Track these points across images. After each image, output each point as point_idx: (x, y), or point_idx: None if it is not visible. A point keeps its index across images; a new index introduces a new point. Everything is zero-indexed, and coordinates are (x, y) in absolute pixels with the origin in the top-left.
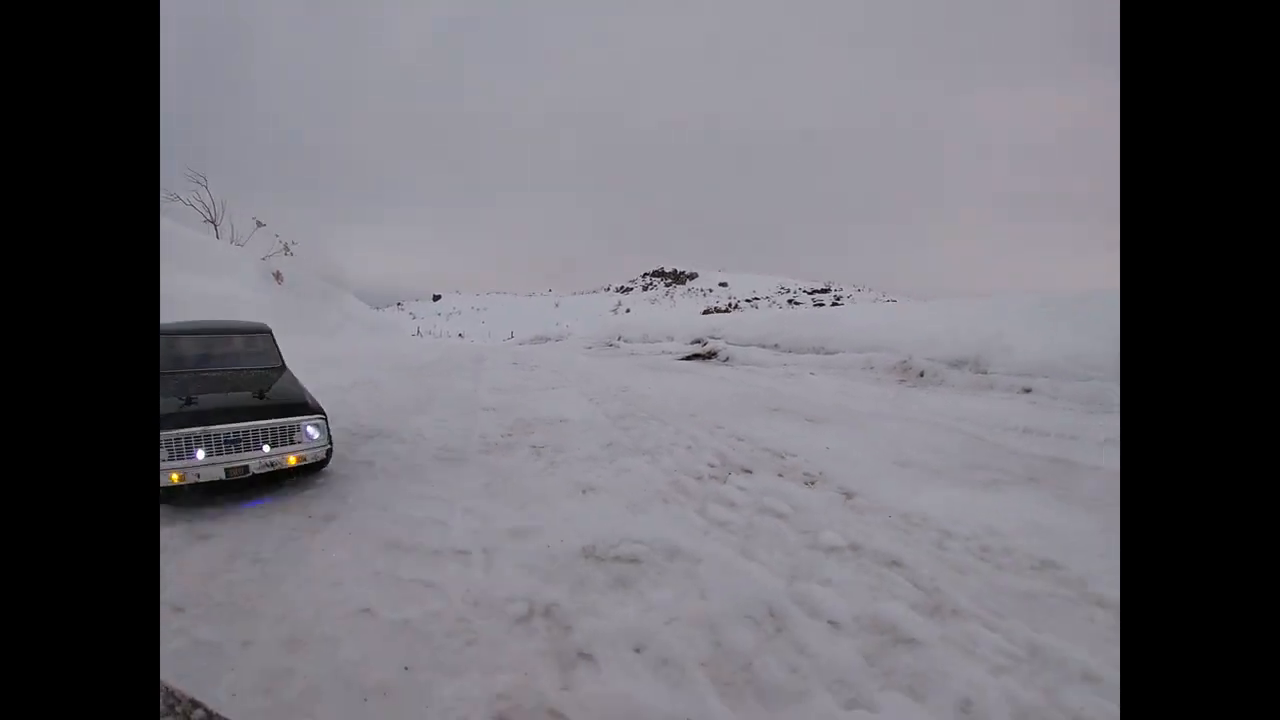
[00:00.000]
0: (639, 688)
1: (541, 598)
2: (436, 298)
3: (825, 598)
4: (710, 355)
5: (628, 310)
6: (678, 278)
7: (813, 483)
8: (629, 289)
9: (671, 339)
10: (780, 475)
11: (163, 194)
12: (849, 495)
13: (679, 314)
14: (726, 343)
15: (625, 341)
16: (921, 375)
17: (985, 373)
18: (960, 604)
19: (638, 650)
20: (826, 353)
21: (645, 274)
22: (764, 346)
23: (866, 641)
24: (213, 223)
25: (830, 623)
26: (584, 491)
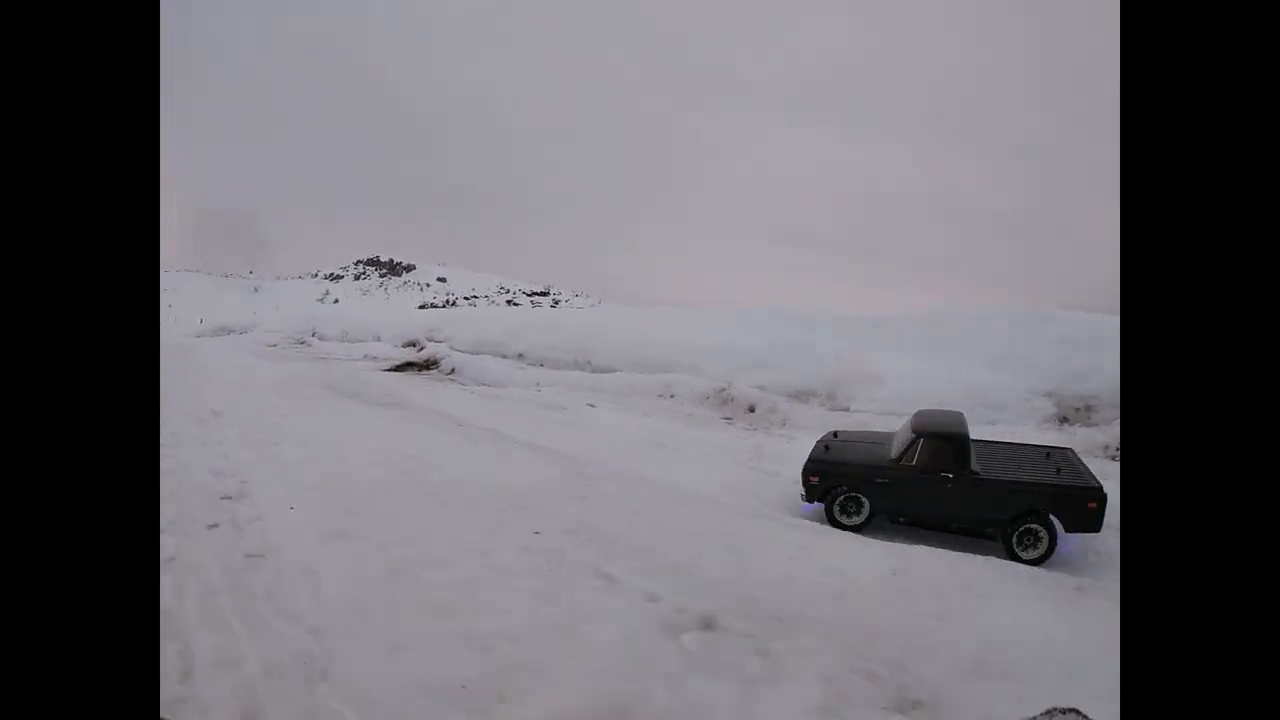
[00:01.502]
0: None
1: None
2: None
3: None
4: (429, 365)
5: (336, 300)
6: (394, 269)
7: None
8: (340, 276)
9: (379, 338)
10: None
11: None
12: None
13: (392, 308)
14: (451, 348)
15: (320, 339)
16: (752, 410)
17: (848, 409)
18: None
19: None
20: (595, 369)
21: (359, 261)
22: (503, 356)
23: None
24: None
25: None
26: None
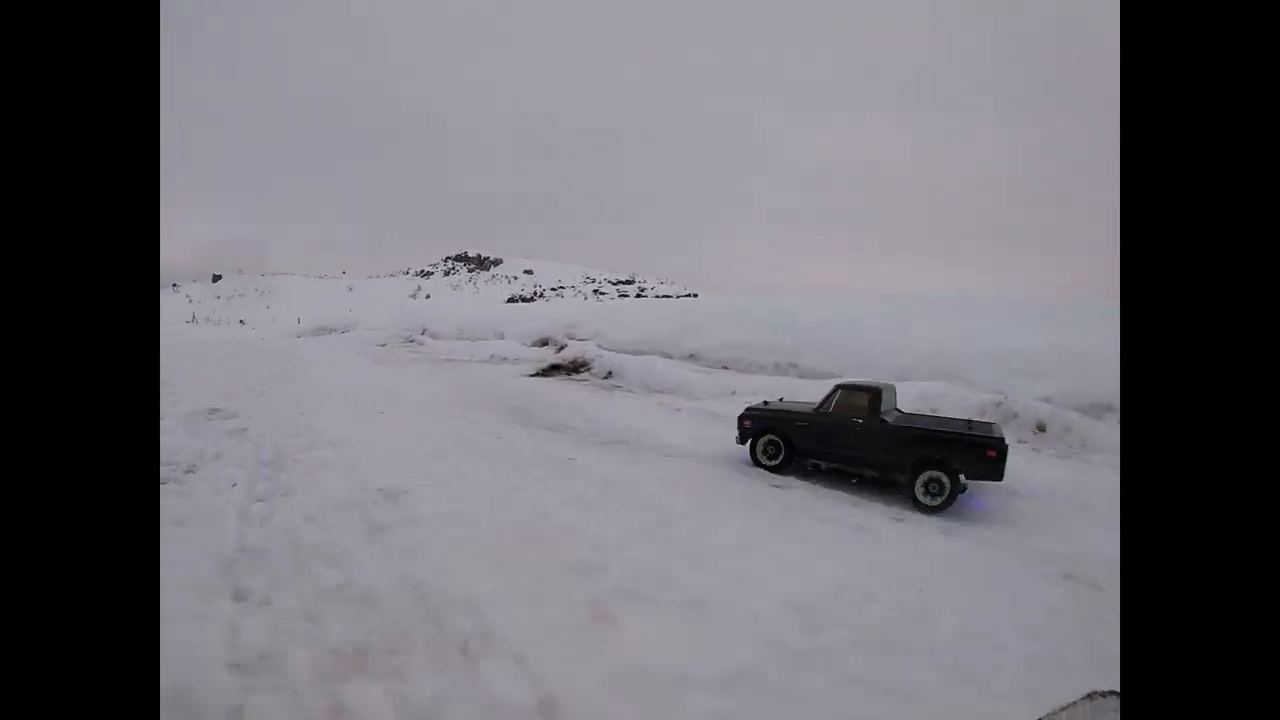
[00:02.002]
0: None
1: None
2: (216, 278)
3: None
4: (578, 368)
5: (428, 296)
6: (482, 263)
7: None
8: (430, 273)
9: (502, 336)
10: None
11: None
12: None
13: (483, 300)
14: (600, 346)
15: (433, 337)
16: (1042, 430)
17: None
18: None
19: None
20: (803, 374)
21: (447, 258)
22: (667, 356)
23: None
24: None
25: None
26: None
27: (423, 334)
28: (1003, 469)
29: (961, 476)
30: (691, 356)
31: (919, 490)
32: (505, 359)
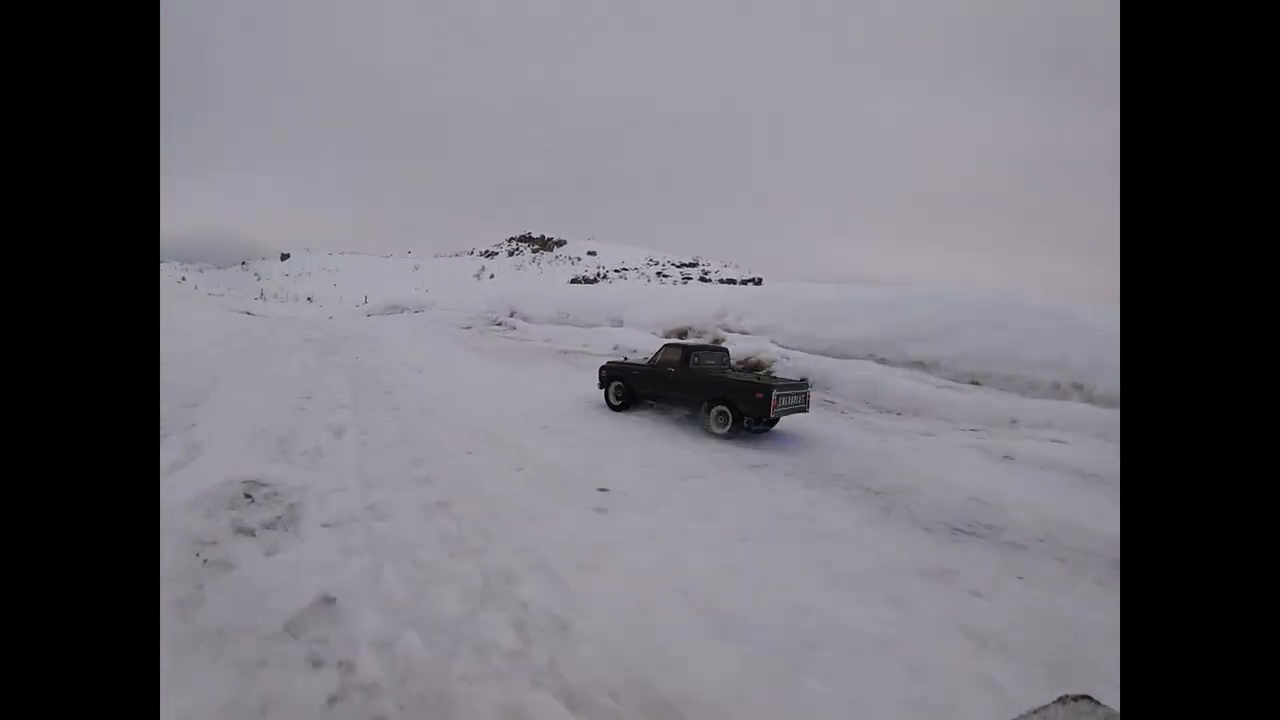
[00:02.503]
0: None
1: None
2: (285, 257)
3: None
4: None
5: (491, 276)
6: (545, 244)
7: None
8: (494, 254)
9: (620, 324)
10: None
11: None
12: None
13: (546, 282)
14: (776, 343)
15: (524, 320)
16: None
17: None
18: None
19: None
20: (1095, 398)
21: (511, 239)
22: (886, 362)
23: None
24: None
25: None
26: None
27: (511, 316)
28: (768, 407)
29: (746, 414)
30: (919, 364)
31: (711, 421)
32: (634, 353)
